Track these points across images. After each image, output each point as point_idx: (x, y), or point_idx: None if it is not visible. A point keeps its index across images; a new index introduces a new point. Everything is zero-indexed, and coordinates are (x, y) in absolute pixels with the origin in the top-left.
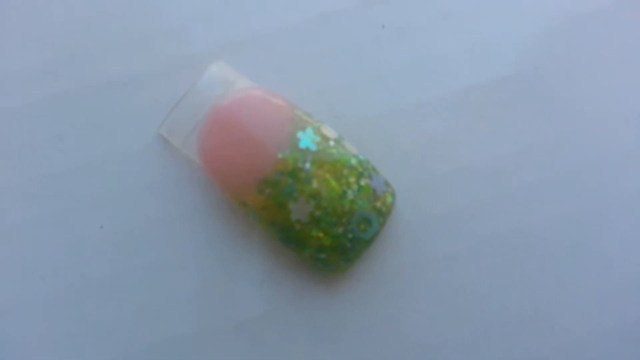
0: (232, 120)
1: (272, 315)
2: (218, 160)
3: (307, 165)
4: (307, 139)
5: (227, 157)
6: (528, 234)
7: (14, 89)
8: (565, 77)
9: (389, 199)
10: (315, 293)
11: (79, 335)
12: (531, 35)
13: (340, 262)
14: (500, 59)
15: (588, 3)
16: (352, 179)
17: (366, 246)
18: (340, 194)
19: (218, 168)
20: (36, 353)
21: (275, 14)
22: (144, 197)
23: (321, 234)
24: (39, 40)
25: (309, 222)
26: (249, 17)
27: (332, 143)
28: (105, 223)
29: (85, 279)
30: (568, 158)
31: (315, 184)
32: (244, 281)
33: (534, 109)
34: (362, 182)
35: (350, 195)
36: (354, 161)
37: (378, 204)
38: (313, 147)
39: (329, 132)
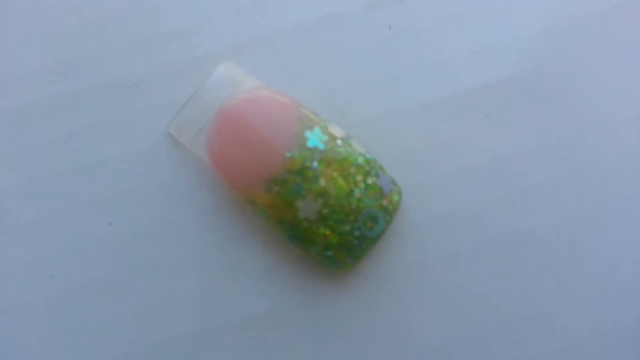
0: (240, 120)
1: (279, 313)
2: (226, 159)
3: (315, 164)
4: (315, 138)
5: (235, 156)
6: (532, 234)
7: (25, 88)
8: (567, 77)
9: (395, 197)
10: (322, 290)
11: (82, 335)
12: (534, 36)
13: (347, 260)
14: (504, 59)
15: (590, 4)
16: (359, 177)
17: (372, 244)
18: (347, 192)
19: (226, 167)
20: (36, 353)
21: (282, 15)
22: (152, 195)
23: (328, 232)
24: (49, 41)
25: (317, 220)
26: (257, 18)
27: (339, 142)
28: (114, 221)
29: (91, 279)
30: (570, 158)
31: (322, 182)
32: (250, 279)
33: (537, 109)
34: (369, 181)
35: (357, 193)
36: (361, 160)
37: (385, 202)
38: (321, 146)
39: (337, 131)
